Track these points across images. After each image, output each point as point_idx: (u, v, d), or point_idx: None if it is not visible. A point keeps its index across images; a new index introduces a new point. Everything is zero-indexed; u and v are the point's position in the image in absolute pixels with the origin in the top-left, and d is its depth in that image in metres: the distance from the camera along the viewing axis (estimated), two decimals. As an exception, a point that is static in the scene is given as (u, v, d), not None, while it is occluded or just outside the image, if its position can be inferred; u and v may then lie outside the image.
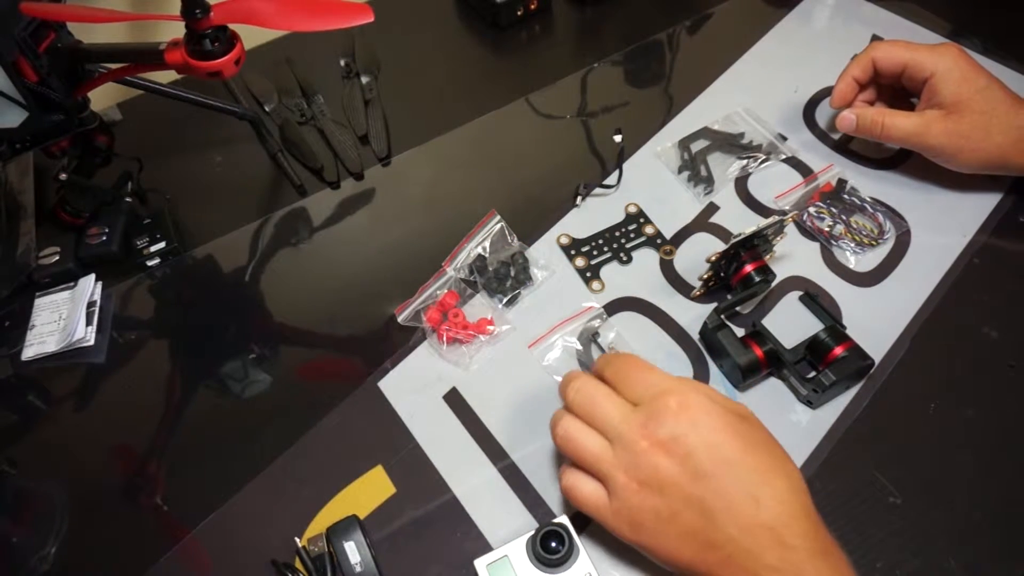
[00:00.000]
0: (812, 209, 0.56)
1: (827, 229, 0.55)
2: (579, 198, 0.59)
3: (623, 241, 0.56)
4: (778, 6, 0.73)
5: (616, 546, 0.42)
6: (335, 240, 0.59)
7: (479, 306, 0.53)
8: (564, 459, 0.43)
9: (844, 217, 0.55)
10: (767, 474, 0.36)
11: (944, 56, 0.53)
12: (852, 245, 0.54)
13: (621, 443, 0.37)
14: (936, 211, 0.56)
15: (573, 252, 0.56)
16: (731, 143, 0.61)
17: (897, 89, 0.58)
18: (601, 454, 0.38)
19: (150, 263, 0.58)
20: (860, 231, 0.55)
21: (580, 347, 0.51)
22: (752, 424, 0.38)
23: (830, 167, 0.59)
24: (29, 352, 0.54)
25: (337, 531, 0.42)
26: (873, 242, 0.54)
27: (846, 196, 0.57)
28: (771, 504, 0.35)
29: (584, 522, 0.43)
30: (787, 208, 0.57)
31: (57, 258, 0.57)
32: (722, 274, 0.51)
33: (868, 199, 0.56)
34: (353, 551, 0.41)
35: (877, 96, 0.60)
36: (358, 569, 0.41)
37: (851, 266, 0.54)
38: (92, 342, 0.54)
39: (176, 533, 0.45)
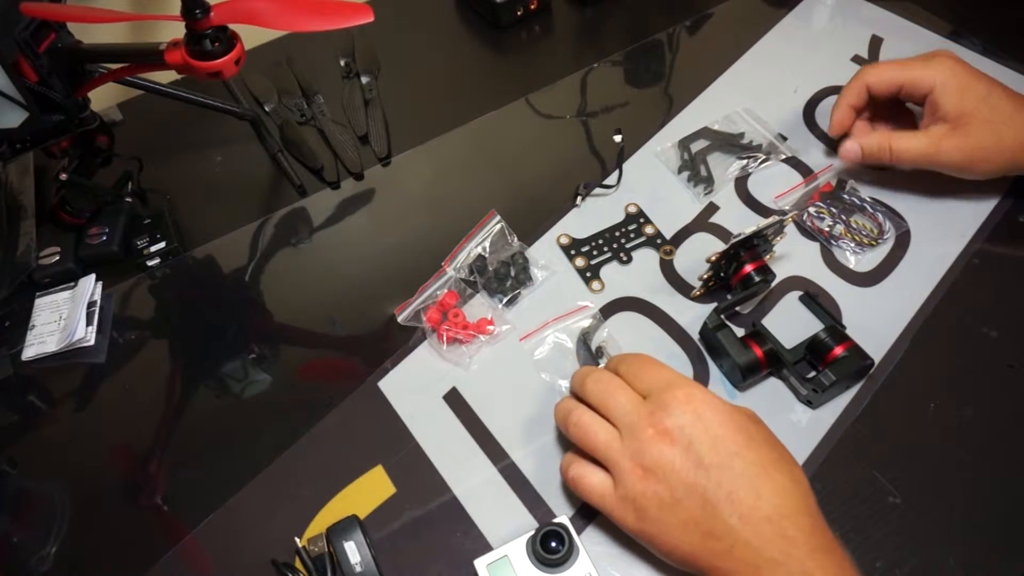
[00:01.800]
0: (812, 209, 0.56)
1: (827, 229, 0.55)
2: (579, 198, 0.59)
3: (623, 241, 0.56)
4: (778, 6, 0.73)
5: (616, 546, 0.42)
6: (335, 240, 0.59)
7: (479, 306, 0.53)
8: (567, 451, 0.43)
9: (844, 217, 0.55)
10: (768, 468, 0.37)
11: (940, 69, 0.52)
12: (852, 245, 0.54)
13: (630, 432, 0.39)
14: (936, 211, 0.56)
15: (573, 252, 0.56)
16: (731, 143, 0.61)
17: (895, 101, 0.57)
18: (611, 442, 0.39)
19: (150, 263, 0.58)
20: (860, 231, 0.55)
21: (572, 345, 0.51)
22: (755, 422, 0.40)
23: (830, 167, 0.59)
24: (29, 352, 0.54)
25: (337, 531, 0.42)
26: (873, 242, 0.54)
27: (846, 196, 0.57)
28: (772, 497, 0.35)
29: (584, 522, 0.43)
30: (787, 208, 0.57)
31: (57, 258, 0.57)
32: (722, 274, 0.51)
33: (868, 199, 0.56)
34: (353, 551, 0.41)
35: (875, 111, 0.58)
36: (358, 569, 0.41)
37: (851, 266, 0.54)
38: (92, 342, 0.54)
39: (176, 533, 0.45)
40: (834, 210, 0.56)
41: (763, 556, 0.34)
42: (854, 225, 0.55)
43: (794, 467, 0.38)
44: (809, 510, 0.36)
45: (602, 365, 0.47)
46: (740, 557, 0.35)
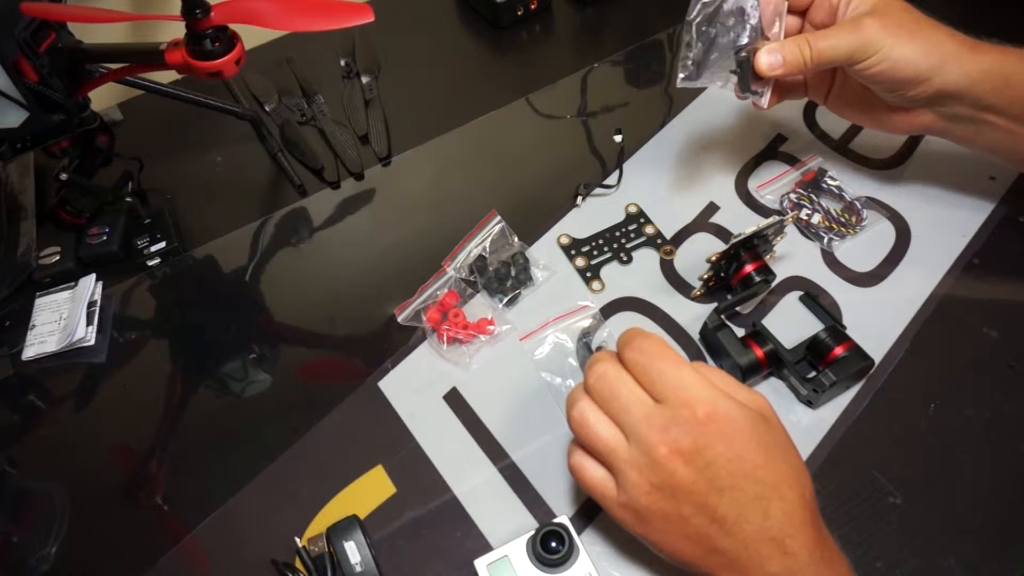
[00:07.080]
0: (793, 196, 0.57)
1: (805, 217, 0.56)
2: (579, 198, 0.59)
3: (623, 241, 0.56)
4: (778, 6, 0.73)
5: (616, 546, 0.42)
6: (335, 240, 0.59)
7: (479, 306, 0.53)
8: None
9: (823, 204, 0.56)
10: (780, 486, 0.35)
11: None
12: (830, 233, 0.55)
13: (638, 443, 0.36)
14: (936, 211, 0.56)
15: (573, 252, 0.56)
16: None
17: None
18: (616, 448, 0.37)
19: (150, 263, 0.58)
20: (838, 219, 0.55)
21: (572, 345, 0.51)
22: (772, 426, 0.37)
23: (812, 157, 0.59)
24: (30, 352, 0.54)
25: (337, 531, 0.42)
26: (851, 230, 0.54)
27: (824, 185, 0.57)
28: (780, 517, 0.35)
29: (584, 522, 0.43)
30: (768, 197, 0.57)
31: (58, 258, 0.57)
32: (722, 274, 0.51)
33: (846, 189, 0.56)
34: (353, 551, 0.41)
35: None
36: (358, 569, 0.41)
37: (834, 252, 0.54)
38: (92, 342, 0.54)
39: (176, 533, 0.45)
40: (813, 197, 0.56)
41: (764, 571, 0.34)
42: (832, 213, 0.55)
43: (804, 478, 0.37)
44: (814, 523, 0.35)
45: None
46: (742, 570, 0.35)
